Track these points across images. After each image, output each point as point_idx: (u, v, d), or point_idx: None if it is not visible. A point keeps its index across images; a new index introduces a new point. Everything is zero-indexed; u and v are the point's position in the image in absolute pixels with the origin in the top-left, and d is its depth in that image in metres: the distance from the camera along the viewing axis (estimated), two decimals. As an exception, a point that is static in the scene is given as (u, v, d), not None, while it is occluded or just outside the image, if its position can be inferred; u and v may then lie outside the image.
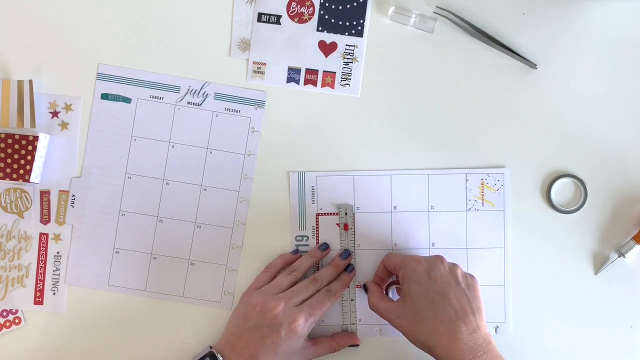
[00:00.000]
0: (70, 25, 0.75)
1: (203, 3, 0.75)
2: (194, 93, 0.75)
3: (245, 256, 0.75)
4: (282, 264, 0.74)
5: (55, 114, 0.75)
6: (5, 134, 0.73)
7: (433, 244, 0.75)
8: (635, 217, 0.75)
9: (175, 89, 0.75)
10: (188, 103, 0.75)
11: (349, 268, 0.74)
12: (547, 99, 0.75)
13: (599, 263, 0.75)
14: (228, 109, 0.75)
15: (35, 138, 0.72)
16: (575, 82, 0.75)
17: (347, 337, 0.73)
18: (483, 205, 0.75)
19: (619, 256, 0.74)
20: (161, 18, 0.75)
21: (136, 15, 0.75)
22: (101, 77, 0.75)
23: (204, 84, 0.75)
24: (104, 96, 0.75)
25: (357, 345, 0.74)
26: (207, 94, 0.75)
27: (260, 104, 0.75)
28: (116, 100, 0.75)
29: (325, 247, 0.74)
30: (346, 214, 0.74)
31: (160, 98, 0.75)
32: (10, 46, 0.75)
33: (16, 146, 0.73)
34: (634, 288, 0.75)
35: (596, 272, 0.75)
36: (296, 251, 0.74)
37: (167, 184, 0.75)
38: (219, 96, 0.75)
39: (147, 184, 0.75)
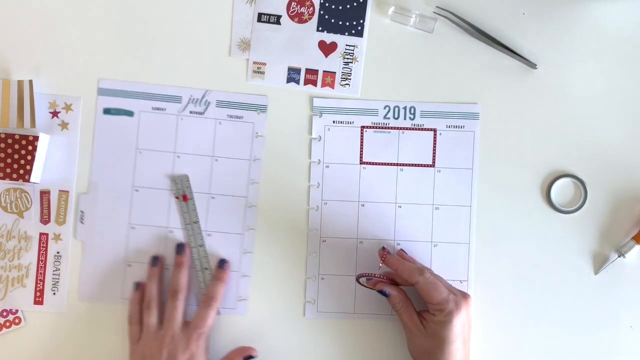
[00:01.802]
0: (70, 34, 0.75)
1: (203, 3, 0.75)
2: (196, 102, 0.75)
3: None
4: (137, 304, 0.73)
5: (55, 114, 0.75)
6: (5, 134, 0.73)
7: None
8: (635, 217, 0.75)
9: (176, 99, 0.75)
10: (190, 112, 0.75)
11: (223, 264, 0.74)
12: (547, 99, 0.75)
13: (599, 263, 0.75)
14: (231, 116, 0.75)
15: (35, 138, 0.72)
16: (575, 82, 0.75)
17: (241, 351, 0.73)
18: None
19: (619, 256, 0.74)
20: (160, 18, 0.75)
21: (136, 15, 0.75)
22: (102, 92, 0.75)
23: (205, 92, 0.75)
24: (106, 111, 0.75)
25: (252, 357, 0.72)
26: (209, 102, 0.75)
27: (262, 108, 0.75)
28: (119, 115, 0.75)
29: (155, 261, 0.73)
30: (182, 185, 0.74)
31: (162, 109, 0.75)
32: (10, 46, 0.75)
33: (16, 146, 0.72)
34: (634, 288, 0.75)
35: (596, 272, 0.75)
36: (155, 259, 0.73)
37: None
38: (220, 103, 0.75)
39: (154, 196, 0.75)
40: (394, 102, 0.75)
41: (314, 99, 0.75)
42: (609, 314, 0.75)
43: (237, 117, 0.75)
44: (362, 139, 0.75)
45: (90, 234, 0.75)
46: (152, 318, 0.71)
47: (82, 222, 0.75)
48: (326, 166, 0.75)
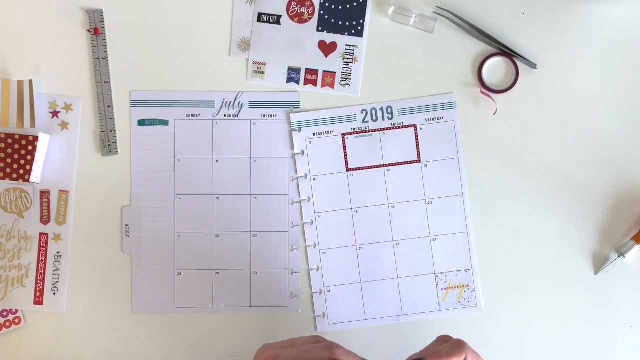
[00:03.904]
0: (70, 33, 0.75)
1: (203, 3, 0.75)
2: (229, 105, 0.75)
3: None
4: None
5: (55, 114, 0.75)
6: (5, 134, 0.73)
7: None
8: (635, 217, 0.75)
9: (209, 104, 0.75)
10: (225, 116, 0.75)
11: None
12: (547, 99, 0.75)
13: (599, 263, 0.75)
14: (265, 115, 0.75)
15: (35, 138, 0.72)
16: (575, 82, 0.75)
17: None
18: None
19: (619, 256, 0.74)
20: (159, 19, 0.75)
21: (134, 17, 0.75)
22: (135, 103, 0.75)
23: (238, 94, 0.75)
24: (141, 122, 0.75)
25: None
26: (242, 104, 0.75)
27: (295, 105, 0.75)
28: (154, 125, 0.75)
29: None
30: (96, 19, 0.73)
31: (196, 115, 0.75)
32: (10, 46, 0.75)
33: (16, 146, 0.73)
34: (634, 288, 0.75)
35: (596, 272, 0.75)
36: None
37: (217, 198, 0.75)
38: (253, 104, 0.75)
39: (198, 202, 0.75)
40: (371, 105, 0.75)
41: (291, 115, 0.75)
42: (609, 314, 0.75)
43: (270, 115, 0.75)
44: (344, 147, 0.75)
45: (137, 246, 0.75)
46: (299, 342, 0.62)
47: (127, 236, 0.75)
48: (314, 179, 0.75)
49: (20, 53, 0.75)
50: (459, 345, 0.61)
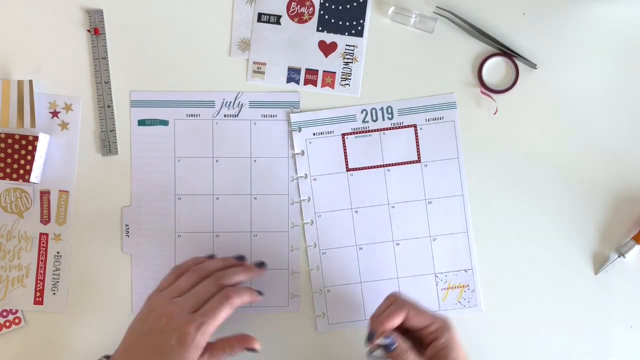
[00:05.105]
0: (69, 33, 0.75)
1: (203, 3, 0.75)
2: (229, 105, 0.75)
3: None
4: (192, 265, 0.69)
5: (55, 114, 0.75)
6: (5, 134, 0.73)
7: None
8: (635, 217, 0.75)
9: (209, 104, 0.75)
10: (225, 116, 0.75)
11: (262, 265, 0.71)
12: (547, 99, 0.75)
13: (599, 263, 0.75)
14: (265, 115, 0.75)
15: (35, 138, 0.72)
16: (575, 82, 0.75)
17: (242, 339, 0.66)
18: None
19: (619, 256, 0.74)
20: (159, 19, 0.75)
21: (134, 17, 0.75)
22: (135, 103, 0.75)
23: (238, 94, 0.75)
24: (141, 122, 0.75)
25: (255, 350, 0.66)
26: (242, 104, 0.75)
27: (295, 105, 0.75)
28: (154, 125, 0.75)
29: (241, 258, 0.71)
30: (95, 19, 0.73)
31: (196, 115, 0.75)
32: (10, 46, 0.75)
33: (16, 146, 0.73)
34: (634, 288, 0.75)
35: (596, 272, 0.75)
36: (212, 256, 0.71)
37: (217, 198, 0.75)
38: (253, 104, 0.75)
39: (198, 202, 0.75)
40: (371, 105, 0.75)
41: (291, 114, 0.75)
42: (609, 314, 0.75)
43: (271, 115, 0.75)
44: (344, 147, 0.75)
45: (137, 246, 0.75)
46: (185, 283, 0.65)
47: (127, 236, 0.75)
48: (314, 179, 0.75)
49: (20, 53, 0.75)
50: (398, 305, 0.63)
